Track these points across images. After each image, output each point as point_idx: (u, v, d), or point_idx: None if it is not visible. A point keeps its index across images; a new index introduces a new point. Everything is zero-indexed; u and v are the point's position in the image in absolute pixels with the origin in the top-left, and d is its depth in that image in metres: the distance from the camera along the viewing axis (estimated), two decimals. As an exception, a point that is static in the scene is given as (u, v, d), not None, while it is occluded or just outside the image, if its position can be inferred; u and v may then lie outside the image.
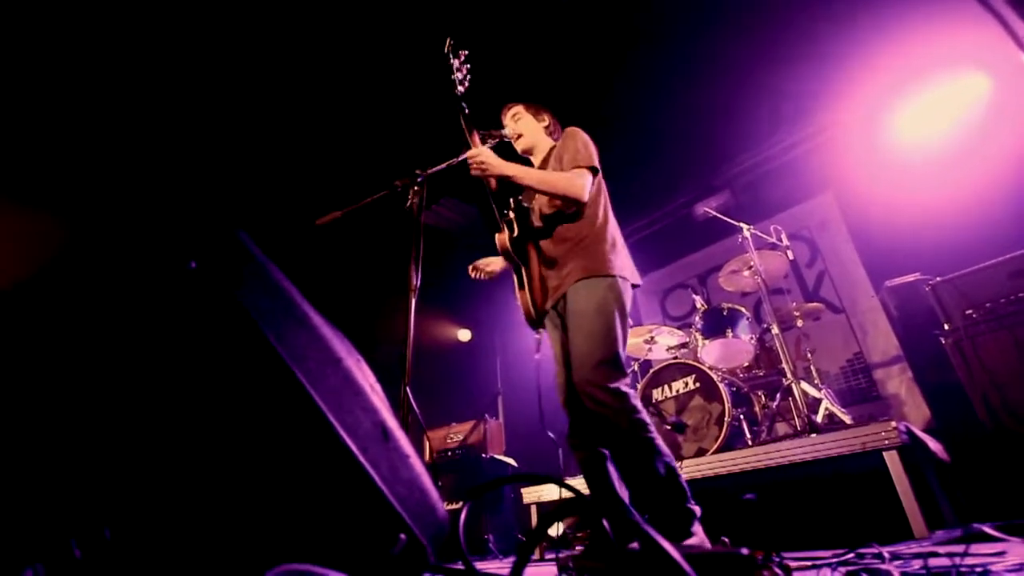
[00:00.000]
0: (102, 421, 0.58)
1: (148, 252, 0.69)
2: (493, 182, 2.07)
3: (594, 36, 3.80)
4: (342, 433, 0.66)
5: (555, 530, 2.59)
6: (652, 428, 1.76)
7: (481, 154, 1.94)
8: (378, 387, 0.79)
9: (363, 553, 0.66)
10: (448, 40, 2.10)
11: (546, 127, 2.34)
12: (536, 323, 2.07)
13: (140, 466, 0.61)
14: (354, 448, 0.67)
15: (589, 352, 1.80)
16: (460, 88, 2.14)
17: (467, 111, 2.14)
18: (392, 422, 0.76)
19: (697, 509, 1.71)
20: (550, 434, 2.14)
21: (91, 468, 0.58)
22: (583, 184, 1.95)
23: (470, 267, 2.43)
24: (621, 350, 1.83)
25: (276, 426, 0.64)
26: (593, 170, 2.00)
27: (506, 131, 2.29)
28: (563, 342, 1.98)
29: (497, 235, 2.04)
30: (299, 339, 0.68)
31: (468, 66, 2.15)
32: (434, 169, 1.98)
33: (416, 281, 1.75)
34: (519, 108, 2.35)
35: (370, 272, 5.28)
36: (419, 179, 1.90)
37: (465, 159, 2.03)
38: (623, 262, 2.00)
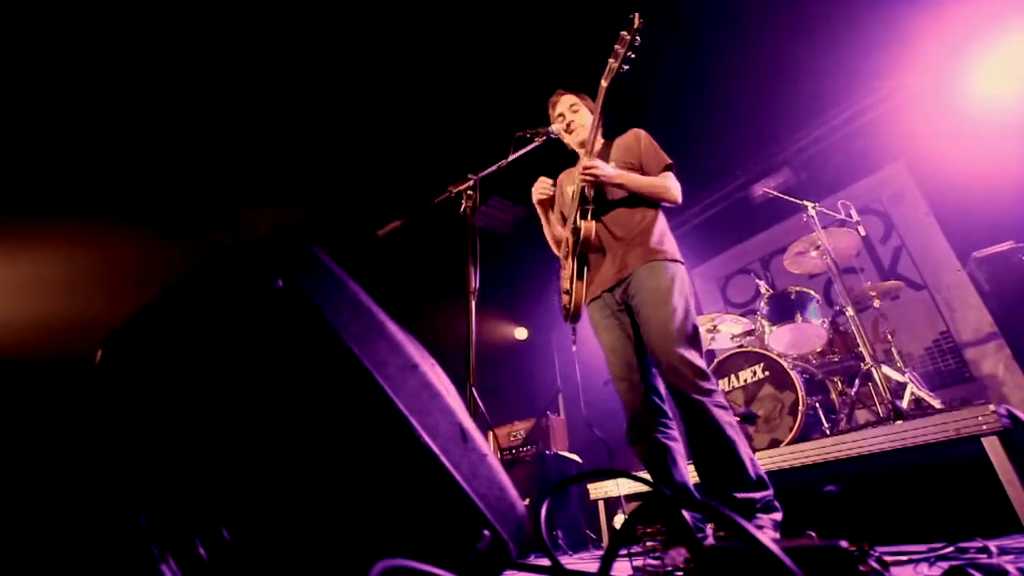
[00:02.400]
0: (212, 430, 0.64)
1: (237, 274, 0.74)
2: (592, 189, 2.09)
3: (640, 13, 3.71)
4: (424, 436, 0.69)
5: (618, 522, 2.56)
6: (732, 413, 1.75)
7: (598, 167, 2.00)
8: (452, 389, 0.82)
9: (452, 550, 0.69)
10: (637, 16, 2.00)
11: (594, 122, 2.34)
12: (577, 315, 2.11)
13: (246, 471, 0.66)
14: (436, 450, 0.70)
15: (675, 328, 1.81)
16: (623, 66, 2.06)
17: (609, 93, 2.09)
18: (468, 423, 0.78)
19: (778, 506, 1.66)
20: (596, 431, 2.15)
21: (206, 473, 0.64)
22: (678, 186, 2.09)
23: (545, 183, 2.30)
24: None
25: (365, 432, 0.68)
26: (674, 168, 2.12)
27: (553, 128, 2.28)
28: (622, 329, 1.99)
29: (584, 224, 2.06)
30: (379, 346, 0.72)
31: (633, 55, 2.04)
32: (485, 171, 2.01)
33: (475, 283, 1.78)
34: (575, 99, 2.33)
35: (424, 275, 5.43)
36: (472, 182, 1.94)
37: (515, 159, 2.07)
38: (677, 248, 2.09)
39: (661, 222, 2.12)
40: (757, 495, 1.66)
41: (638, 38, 2.01)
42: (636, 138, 2.21)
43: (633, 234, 2.05)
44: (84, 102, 3.56)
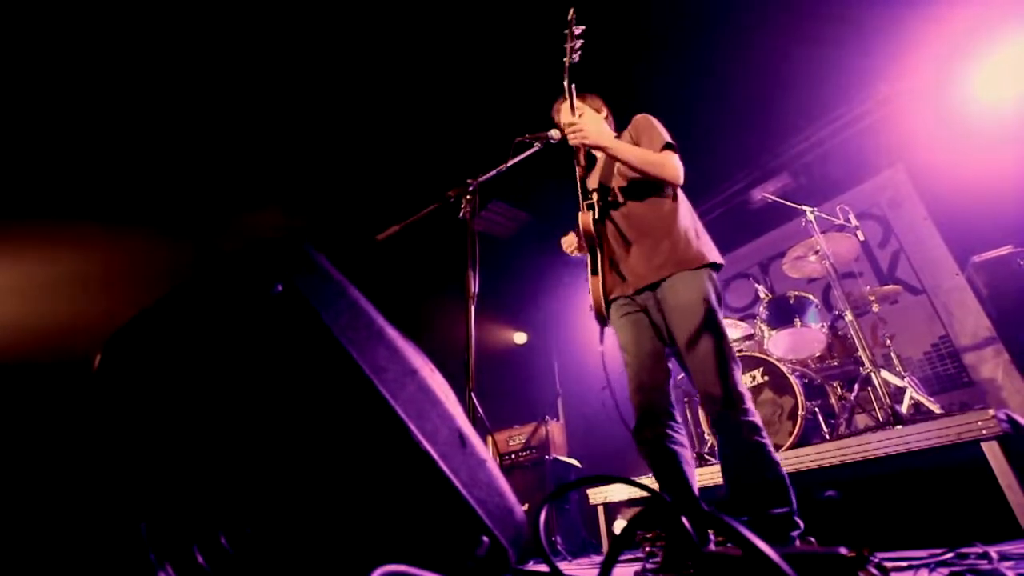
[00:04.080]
0: (211, 434, 0.64)
1: (236, 278, 0.74)
2: (582, 159, 2.04)
3: (637, 18, 3.72)
4: (423, 442, 0.69)
5: (619, 527, 2.54)
6: (765, 433, 1.69)
7: (579, 122, 1.94)
8: (451, 394, 0.82)
9: (451, 556, 0.68)
10: (571, 10, 2.05)
11: (605, 117, 2.29)
12: (601, 317, 2.01)
13: (245, 476, 0.66)
14: (435, 455, 0.70)
15: (713, 354, 1.72)
16: (574, 57, 2.09)
17: (573, 83, 2.11)
18: (467, 428, 0.78)
19: (801, 523, 1.63)
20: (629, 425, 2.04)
21: (204, 478, 0.63)
22: (678, 166, 1.92)
23: (570, 240, 2.26)
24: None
25: (363, 437, 0.68)
26: (676, 150, 1.96)
27: (552, 133, 2.27)
28: (637, 328, 1.93)
29: (580, 215, 1.99)
30: (378, 352, 0.71)
31: (582, 41, 2.08)
32: (485, 177, 2.01)
33: (474, 288, 1.78)
34: (577, 102, 2.23)
35: (423, 280, 5.43)
36: (471, 188, 1.94)
37: (514, 164, 2.06)
38: (710, 245, 1.96)
39: (684, 214, 1.97)
40: (787, 509, 1.62)
41: (576, 28, 2.03)
42: (634, 122, 2.12)
43: (652, 234, 1.93)
44: (86, 105, 3.57)
